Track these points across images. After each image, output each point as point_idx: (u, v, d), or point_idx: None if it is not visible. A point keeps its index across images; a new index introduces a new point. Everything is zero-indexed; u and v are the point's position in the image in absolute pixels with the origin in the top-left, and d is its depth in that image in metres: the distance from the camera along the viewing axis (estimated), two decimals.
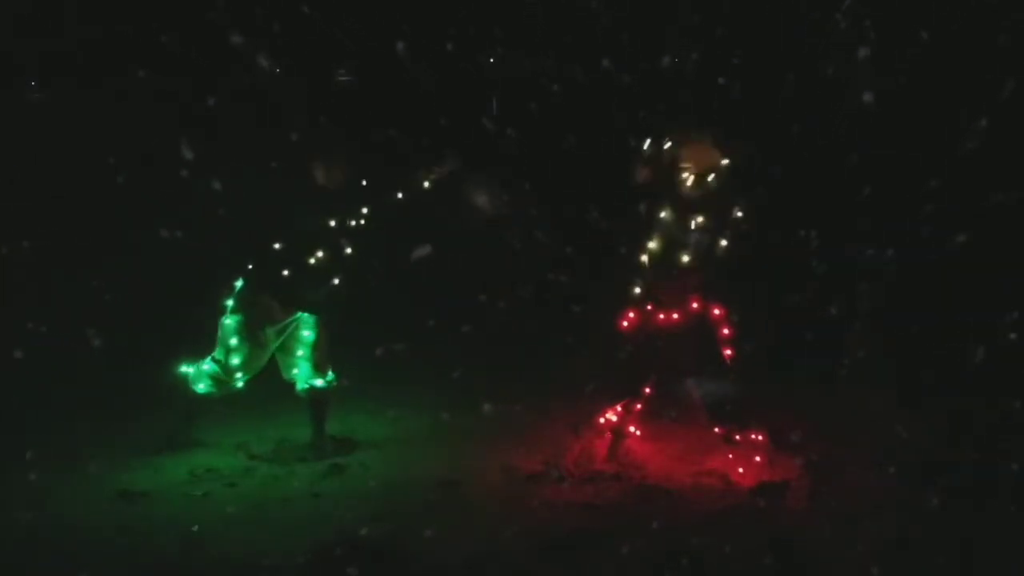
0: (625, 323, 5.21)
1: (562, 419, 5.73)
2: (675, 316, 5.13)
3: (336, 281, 5.33)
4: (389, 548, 4.19)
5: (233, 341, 5.30)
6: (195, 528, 4.45)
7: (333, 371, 5.52)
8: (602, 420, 5.41)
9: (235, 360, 5.31)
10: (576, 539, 4.30)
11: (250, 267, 5.34)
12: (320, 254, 5.24)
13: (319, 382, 5.46)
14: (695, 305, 5.14)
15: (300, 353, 5.44)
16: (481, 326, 6.65)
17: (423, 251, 5.41)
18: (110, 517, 4.57)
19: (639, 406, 5.33)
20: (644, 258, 5.14)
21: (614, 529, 4.40)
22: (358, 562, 4.09)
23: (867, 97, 6.94)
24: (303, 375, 5.46)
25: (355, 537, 4.29)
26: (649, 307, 5.16)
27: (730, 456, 5.13)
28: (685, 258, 5.03)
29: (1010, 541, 4.19)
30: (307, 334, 5.41)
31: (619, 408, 5.36)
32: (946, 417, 5.51)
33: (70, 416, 5.77)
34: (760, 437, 5.18)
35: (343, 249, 5.29)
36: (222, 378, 5.35)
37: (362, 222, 5.33)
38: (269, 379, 5.58)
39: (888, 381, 6.04)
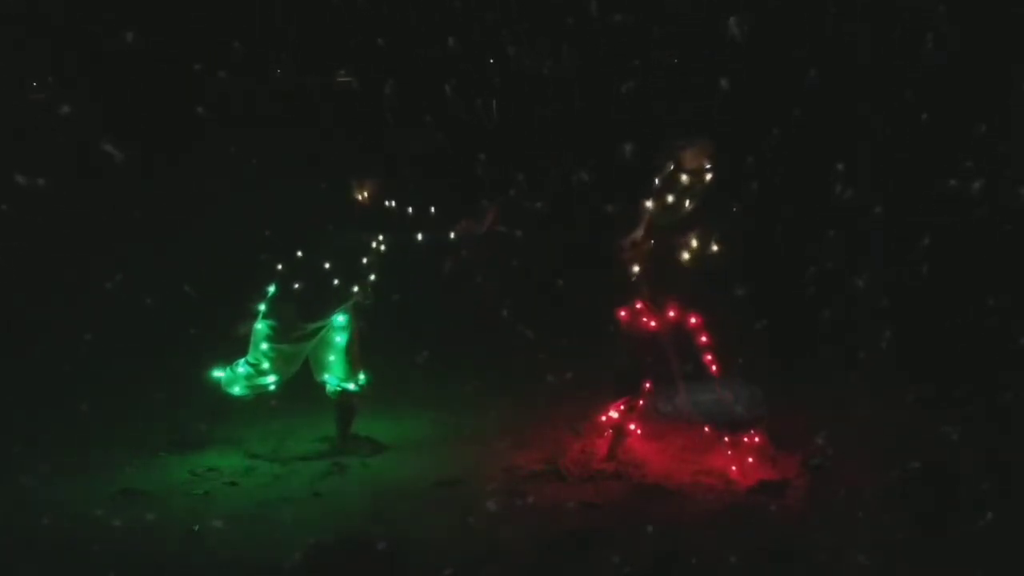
0: (622, 320, 5.27)
1: (562, 419, 5.73)
2: (653, 324, 5.22)
3: (356, 290, 5.39)
4: (389, 548, 4.19)
5: (264, 346, 5.35)
6: (195, 528, 4.45)
7: (365, 376, 5.55)
8: (604, 418, 5.41)
9: (266, 364, 5.37)
10: (576, 539, 4.30)
11: (280, 274, 5.37)
12: (339, 268, 5.28)
13: (350, 386, 5.50)
14: (672, 313, 5.18)
15: (332, 358, 5.48)
16: (478, 327, 6.66)
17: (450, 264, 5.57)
18: (111, 516, 4.56)
19: (641, 402, 5.35)
20: (636, 267, 5.20)
21: (614, 529, 4.40)
22: (358, 562, 4.09)
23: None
24: (335, 378, 5.50)
25: (355, 537, 4.29)
26: (639, 306, 5.23)
27: (729, 454, 5.13)
28: (685, 255, 5.10)
29: (1010, 542, 4.18)
30: (339, 339, 5.46)
31: (621, 406, 5.36)
32: (946, 418, 5.50)
33: (71, 416, 5.76)
34: (757, 439, 5.18)
35: (364, 263, 5.36)
36: (255, 381, 5.41)
37: (382, 247, 5.40)
38: None
39: (890, 382, 6.04)
